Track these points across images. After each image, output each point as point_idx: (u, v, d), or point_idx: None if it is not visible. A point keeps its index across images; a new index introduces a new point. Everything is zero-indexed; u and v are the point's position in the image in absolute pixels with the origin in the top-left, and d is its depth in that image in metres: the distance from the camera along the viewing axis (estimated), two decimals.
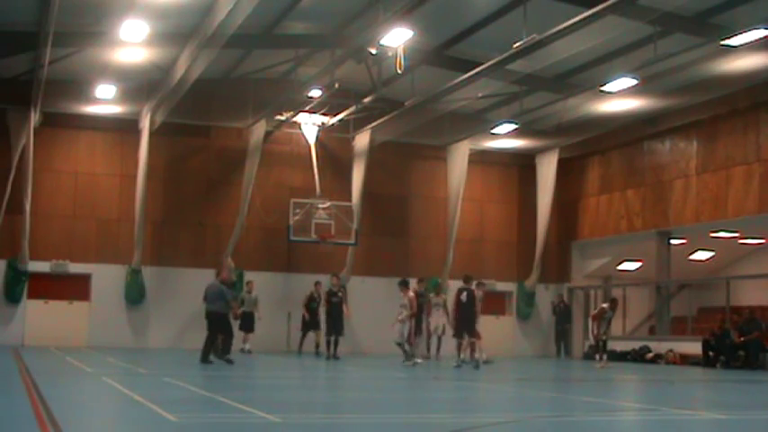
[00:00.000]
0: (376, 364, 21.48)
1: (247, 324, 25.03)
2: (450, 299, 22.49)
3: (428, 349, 24.80)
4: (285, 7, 21.37)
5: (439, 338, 24.57)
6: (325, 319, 23.48)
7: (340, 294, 23.53)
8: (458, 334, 20.57)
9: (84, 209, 26.73)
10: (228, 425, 9.08)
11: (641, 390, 16.43)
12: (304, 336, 25.12)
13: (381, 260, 28.55)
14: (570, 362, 26.99)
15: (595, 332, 22.44)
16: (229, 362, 18.89)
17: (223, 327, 19.37)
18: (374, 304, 25.63)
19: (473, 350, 20.72)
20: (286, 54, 24.80)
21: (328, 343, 23.15)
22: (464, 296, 20.31)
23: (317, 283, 25.10)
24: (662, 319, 27.58)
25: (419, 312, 22.12)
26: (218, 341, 19.67)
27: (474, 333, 20.45)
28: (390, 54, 20.59)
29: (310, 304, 24.69)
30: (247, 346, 24.79)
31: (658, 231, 27.15)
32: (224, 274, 21.01)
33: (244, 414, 9.84)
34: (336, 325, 23.12)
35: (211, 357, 19.13)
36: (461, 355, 20.31)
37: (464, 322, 20.38)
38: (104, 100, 25.49)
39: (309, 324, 24.75)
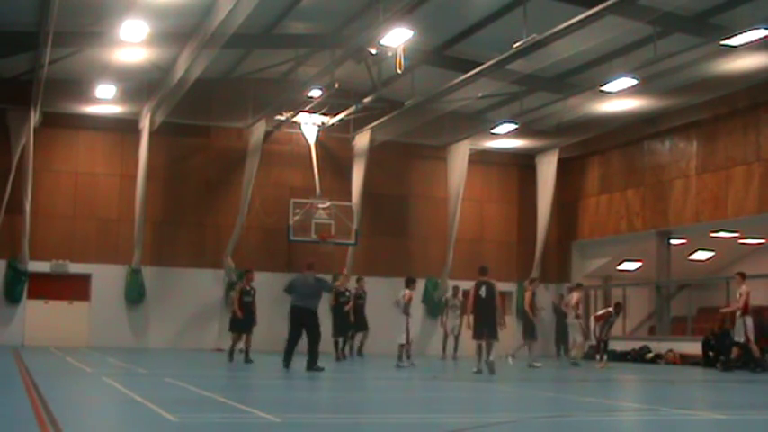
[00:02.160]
0: (376, 364, 21.46)
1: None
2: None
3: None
4: (285, 7, 21.38)
5: (456, 338, 24.68)
6: (356, 319, 23.37)
7: (364, 296, 23.80)
8: (477, 334, 17.92)
9: (84, 209, 26.74)
10: (228, 425, 9.08)
11: (641, 390, 16.43)
12: (353, 337, 23.94)
13: (381, 260, 28.55)
14: (570, 362, 26.94)
15: (597, 333, 22.65)
16: (320, 369, 17.16)
17: (316, 326, 17.58)
18: (374, 304, 25.49)
19: (488, 353, 18.20)
20: (286, 54, 24.82)
21: (342, 343, 23.04)
22: (483, 291, 17.79)
23: (361, 280, 24.24)
24: (662, 319, 27.59)
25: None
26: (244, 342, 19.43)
27: (494, 333, 17.97)
28: (390, 54, 20.60)
29: (356, 302, 23.69)
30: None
31: (658, 231, 27.16)
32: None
33: (244, 414, 9.84)
34: (362, 324, 23.47)
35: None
36: (481, 360, 17.85)
37: (484, 320, 17.80)
38: (104, 100, 25.52)
39: (356, 324, 23.59)
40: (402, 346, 19.55)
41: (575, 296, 23.27)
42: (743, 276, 20.95)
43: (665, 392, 15.62)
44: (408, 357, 19.65)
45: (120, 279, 26.45)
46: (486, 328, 17.76)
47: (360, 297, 23.68)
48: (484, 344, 17.76)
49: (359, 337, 24.22)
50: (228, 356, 20.29)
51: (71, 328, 26.10)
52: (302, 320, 17.46)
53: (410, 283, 19.90)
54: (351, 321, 23.27)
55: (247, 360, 19.63)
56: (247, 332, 20.32)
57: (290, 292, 17.92)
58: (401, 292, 19.78)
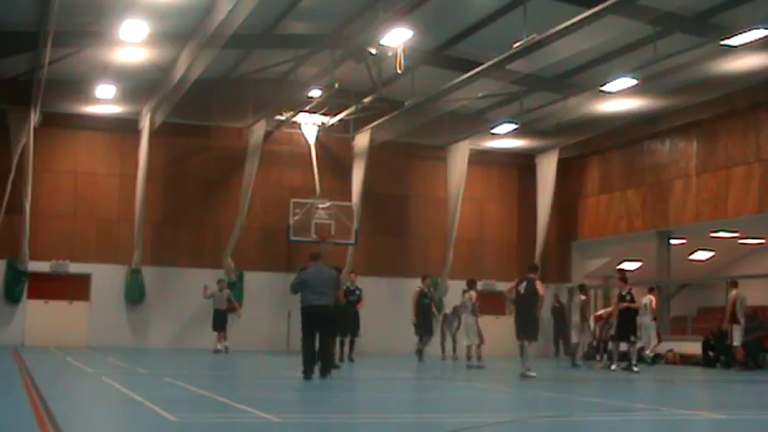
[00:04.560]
0: (376, 364, 21.46)
1: (220, 323, 24.91)
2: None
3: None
4: (285, 7, 21.37)
5: (453, 338, 24.71)
6: (421, 321, 22.51)
7: (430, 296, 23.06)
8: (517, 334, 16.98)
9: (84, 209, 26.75)
10: (228, 425, 9.08)
11: (641, 390, 16.42)
12: (422, 339, 22.76)
13: (381, 260, 28.55)
14: (570, 362, 26.93)
15: (598, 333, 22.72)
16: (335, 368, 15.50)
17: (331, 324, 15.68)
18: (374, 304, 25.52)
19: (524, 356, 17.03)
20: (286, 54, 24.80)
21: (350, 344, 22.38)
22: (522, 287, 16.83)
23: (426, 278, 23.21)
24: (662, 319, 27.56)
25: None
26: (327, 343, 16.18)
27: (530, 333, 16.96)
28: (390, 54, 20.58)
29: (422, 301, 22.57)
30: (221, 346, 24.67)
31: (658, 231, 27.15)
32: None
33: (244, 414, 9.84)
34: (429, 327, 22.54)
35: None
36: (525, 361, 16.80)
37: (521, 319, 16.91)
38: (104, 100, 25.50)
39: (421, 326, 22.54)
40: (477, 346, 20.06)
41: (653, 299, 23.52)
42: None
43: (665, 392, 15.63)
44: (479, 358, 19.99)
45: (120, 279, 26.45)
46: (522, 327, 16.86)
47: (425, 296, 22.60)
48: (524, 344, 16.84)
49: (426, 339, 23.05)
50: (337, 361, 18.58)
51: (71, 328, 26.10)
52: (320, 321, 14.96)
53: (472, 285, 20.43)
54: (415, 323, 22.46)
55: (334, 365, 17.70)
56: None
57: (301, 289, 15.13)
58: (465, 295, 20.39)
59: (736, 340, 22.31)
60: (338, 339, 20.98)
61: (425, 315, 22.61)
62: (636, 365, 20.10)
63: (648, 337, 23.96)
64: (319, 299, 14.91)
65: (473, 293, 20.27)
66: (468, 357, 20.19)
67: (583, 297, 22.05)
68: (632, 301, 20.56)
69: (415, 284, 23.20)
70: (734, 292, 22.41)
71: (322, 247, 26.08)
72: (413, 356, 22.45)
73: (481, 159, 29.91)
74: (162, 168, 27.11)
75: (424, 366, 20.78)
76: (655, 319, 23.92)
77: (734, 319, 22.25)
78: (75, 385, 13.48)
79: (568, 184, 30.42)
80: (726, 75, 22.15)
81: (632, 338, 20.30)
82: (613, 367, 20.44)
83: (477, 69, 21.71)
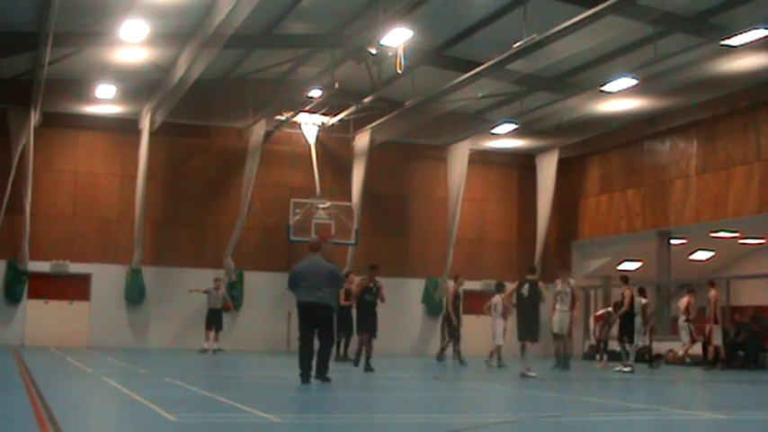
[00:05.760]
0: (376, 364, 21.44)
1: (216, 322, 24.80)
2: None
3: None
4: (285, 7, 21.38)
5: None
6: (451, 322, 21.84)
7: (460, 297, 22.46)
8: (519, 336, 17.15)
9: (84, 209, 26.75)
10: (228, 425, 9.08)
11: (641, 390, 16.42)
12: (456, 341, 21.94)
13: (381, 260, 28.32)
14: (570, 362, 26.92)
15: (597, 333, 22.74)
16: (329, 380, 13.86)
17: (331, 326, 14.23)
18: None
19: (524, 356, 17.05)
20: (286, 54, 24.81)
21: (345, 344, 22.42)
22: (525, 289, 16.97)
23: (458, 278, 22.32)
24: (662, 319, 27.57)
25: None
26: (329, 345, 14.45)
27: (532, 335, 17.00)
28: (390, 54, 20.59)
29: (455, 301, 21.72)
30: (207, 345, 24.59)
31: (658, 231, 27.16)
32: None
33: (244, 414, 9.84)
34: (455, 329, 21.97)
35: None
36: (526, 363, 16.93)
37: (524, 320, 17.11)
38: (104, 100, 25.52)
39: (457, 328, 21.68)
40: (499, 347, 20.58)
41: (686, 299, 23.56)
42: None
43: (665, 392, 15.63)
44: (499, 358, 20.42)
45: (120, 279, 26.45)
46: (524, 329, 16.97)
47: (457, 297, 21.86)
48: (525, 345, 16.98)
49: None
50: (355, 362, 18.54)
51: (71, 328, 26.09)
52: (315, 319, 13.63)
53: (501, 288, 20.97)
54: (454, 323, 21.68)
55: (368, 368, 17.76)
56: (370, 334, 18.25)
57: (294, 285, 13.92)
58: (496, 297, 20.93)
59: (718, 340, 22.31)
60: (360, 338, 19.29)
61: (458, 315, 22.06)
62: (627, 366, 20.13)
63: (686, 338, 23.89)
64: (312, 294, 13.57)
65: (501, 297, 20.73)
66: (498, 357, 20.55)
67: (644, 300, 22.06)
68: (621, 303, 20.82)
69: (414, 284, 23.14)
70: (713, 293, 22.40)
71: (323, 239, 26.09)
72: (451, 359, 21.88)
73: (481, 159, 29.92)
74: (162, 168, 27.13)
75: (426, 366, 20.77)
76: (687, 320, 23.46)
77: (715, 320, 22.30)
78: (76, 385, 13.48)
79: (568, 184, 30.43)
80: (726, 75, 22.15)
81: (624, 338, 20.54)
82: (617, 368, 20.50)
83: (477, 69, 21.72)
